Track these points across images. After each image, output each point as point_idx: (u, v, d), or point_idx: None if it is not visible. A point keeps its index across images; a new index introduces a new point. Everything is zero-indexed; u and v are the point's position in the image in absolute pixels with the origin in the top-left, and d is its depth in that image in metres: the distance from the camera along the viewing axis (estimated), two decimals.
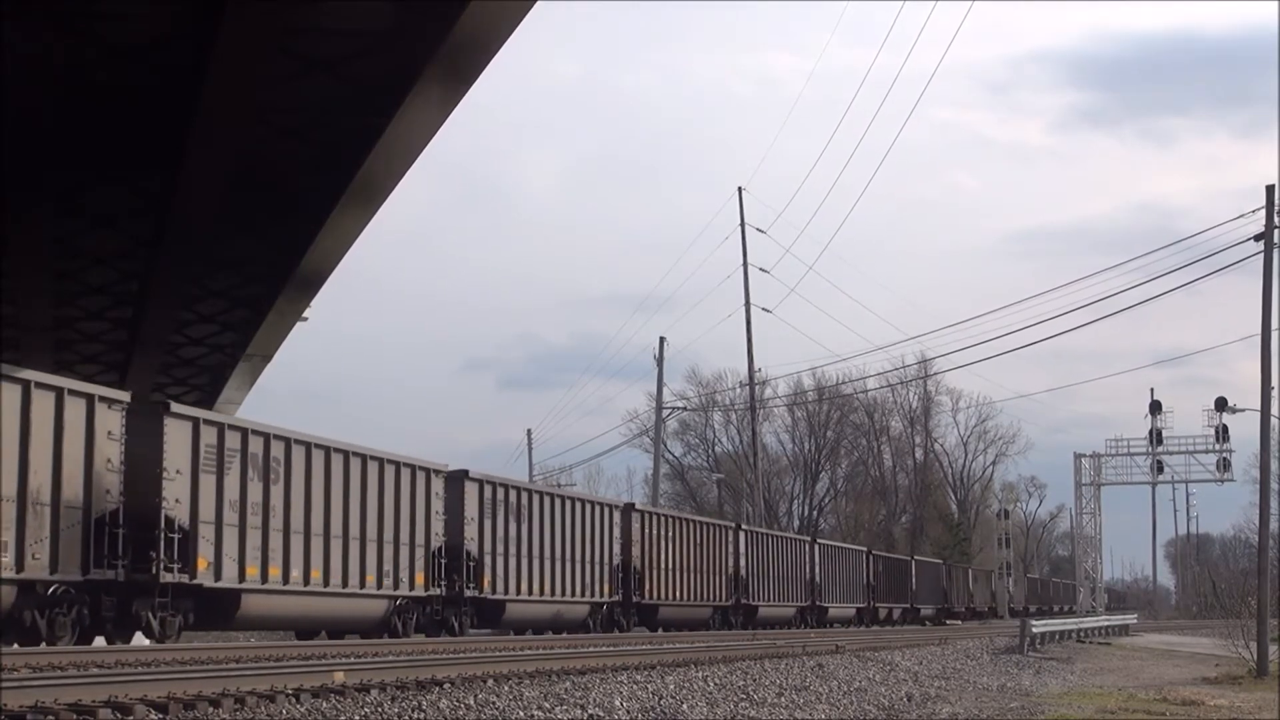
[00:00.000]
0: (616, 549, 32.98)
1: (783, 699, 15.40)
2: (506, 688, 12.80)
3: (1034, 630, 32.01)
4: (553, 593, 30.15)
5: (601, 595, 32.30)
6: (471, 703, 11.66)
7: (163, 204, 21.52)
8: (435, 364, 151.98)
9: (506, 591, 28.42)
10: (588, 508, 32.65)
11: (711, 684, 15.47)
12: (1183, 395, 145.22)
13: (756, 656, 20.21)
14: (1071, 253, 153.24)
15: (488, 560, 27.76)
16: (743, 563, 40.04)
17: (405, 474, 25.23)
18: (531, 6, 14.90)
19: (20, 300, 27.20)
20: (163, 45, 16.62)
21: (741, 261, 60.11)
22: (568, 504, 31.75)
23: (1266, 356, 29.91)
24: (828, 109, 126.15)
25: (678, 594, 36.06)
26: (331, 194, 20.57)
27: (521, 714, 11.61)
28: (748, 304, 59.96)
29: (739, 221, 60.15)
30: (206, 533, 20.10)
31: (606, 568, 32.48)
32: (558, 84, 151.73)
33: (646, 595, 34.19)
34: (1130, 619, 54.10)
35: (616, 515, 33.54)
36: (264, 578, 21.37)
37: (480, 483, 27.95)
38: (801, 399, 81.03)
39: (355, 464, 23.82)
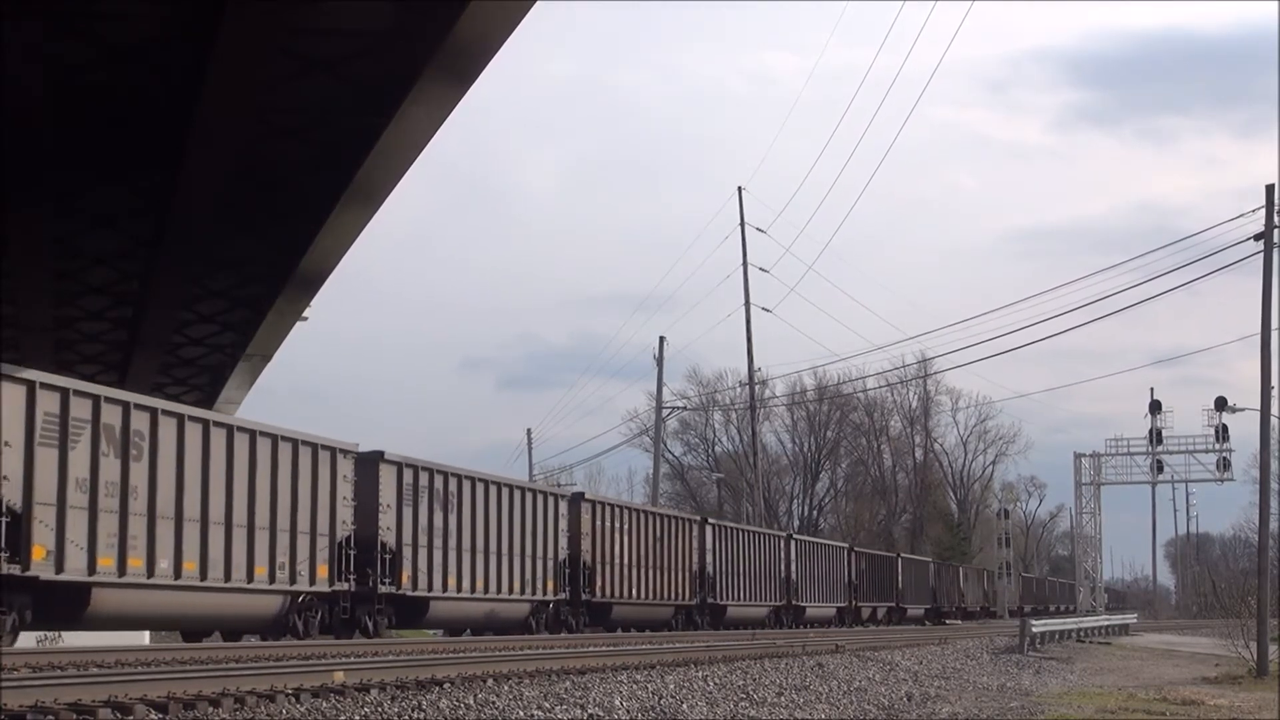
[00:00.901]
0: (564, 542, 30.21)
1: (783, 699, 15.41)
2: (506, 687, 12.81)
3: (1034, 630, 32.02)
4: (486, 590, 27.30)
5: (545, 593, 29.41)
6: (471, 702, 11.67)
7: (163, 204, 21.51)
8: (433, 364, 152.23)
9: (430, 588, 25.53)
10: (529, 496, 29.47)
11: (711, 684, 15.48)
12: (1182, 395, 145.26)
13: (756, 656, 20.22)
14: (1070, 252, 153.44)
15: (407, 552, 24.92)
16: (709, 559, 37.93)
17: (305, 453, 22.37)
18: (531, 6, 14.90)
19: (20, 300, 27.19)
20: (163, 45, 16.61)
21: (741, 261, 60.15)
22: (505, 492, 28.53)
23: (1266, 356, 29.93)
24: (826, 108, 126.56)
25: (634, 591, 33.58)
26: (331, 194, 20.56)
27: (521, 714, 11.62)
28: (747, 304, 60.03)
29: (739, 221, 60.20)
30: (45, 516, 17.31)
31: (551, 562, 29.63)
32: (554, 83, 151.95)
33: (598, 593, 31.64)
34: (1130, 619, 54.07)
35: (564, 506, 30.69)
36: (121, 569, 18.55)
37: (399, 465, 24.98)
38: (801, 399, 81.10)
39: (242, 440, 21.03)
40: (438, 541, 25.98)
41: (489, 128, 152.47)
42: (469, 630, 28.32)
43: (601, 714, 12.27)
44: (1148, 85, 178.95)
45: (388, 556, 24.42)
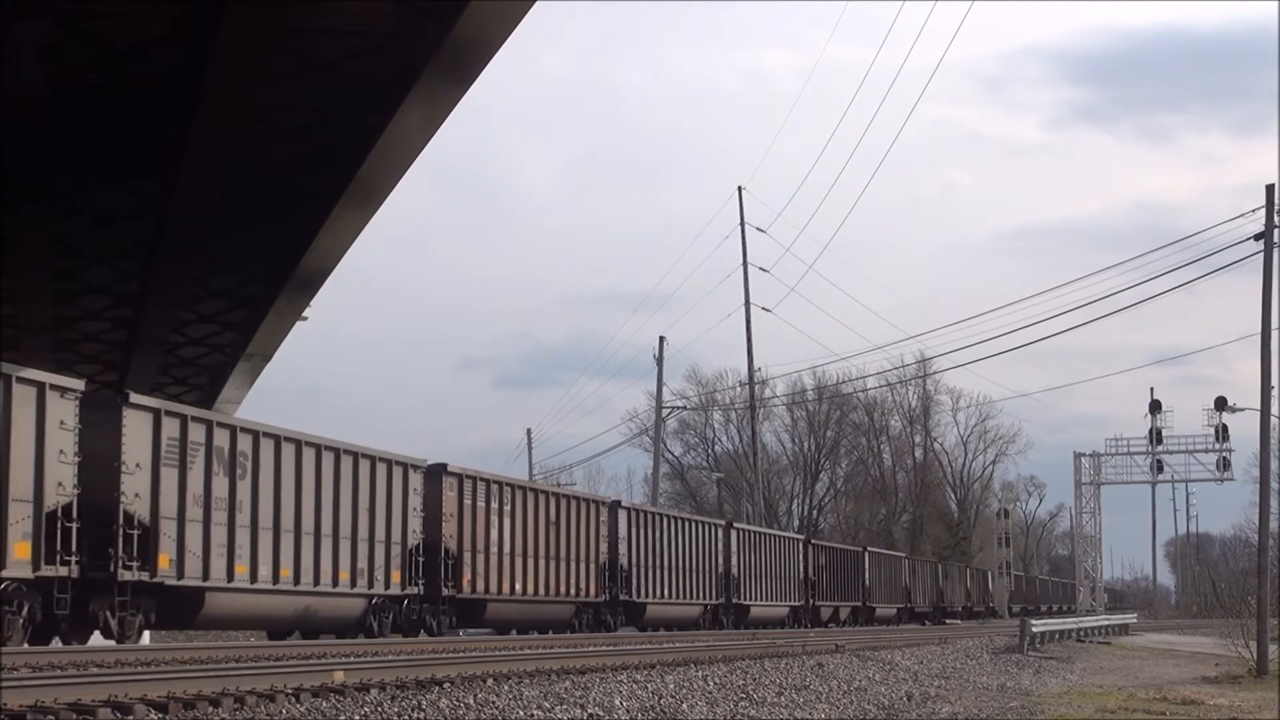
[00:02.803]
0: (418, 525, 25.63)
1: (783, 698, 15.41)
2: (506, 687, 12.81)
3: (1034, 630, 32.03)
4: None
5: (389, 586, 24.99)
6: (471, 702, 11.67)
7: (162, 204, 21.52)
8: (432, 363, 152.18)
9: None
10: (369, 466, 25.43)
11: (711, 683, 15.48)
12: (1182, 394, 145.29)
13: (756, 656, 20.24)
14: (1068, 250, 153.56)
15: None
16: (622, 549, 33.43)
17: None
18: (531, 6, 14.91)
19: (20, 300, 27.20)
20: (163, 45, 16.62)
21: (742, 261, 60.13)
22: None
23: (1266, 356, 29.93)
24: (822, 106, 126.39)
25: (518, 586, 28.83)
26: (331, 194, 20.57)
27: (521, 714, 11.62)
28: (747, 304, 59.98)
29: (739, 221, 60.15)
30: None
31: (398, 548, 25.23)
32: (550, 81, 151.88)
33: (465, 587, 27.00)
34: (1130, 619, 54.10)
35: (417, 480, 25.81)
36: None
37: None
38: (801, 398, 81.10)
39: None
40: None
41: (486, 126, 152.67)
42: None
43: (601, 714, 12.27)
44: (1144, 82, 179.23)
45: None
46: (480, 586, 27.48)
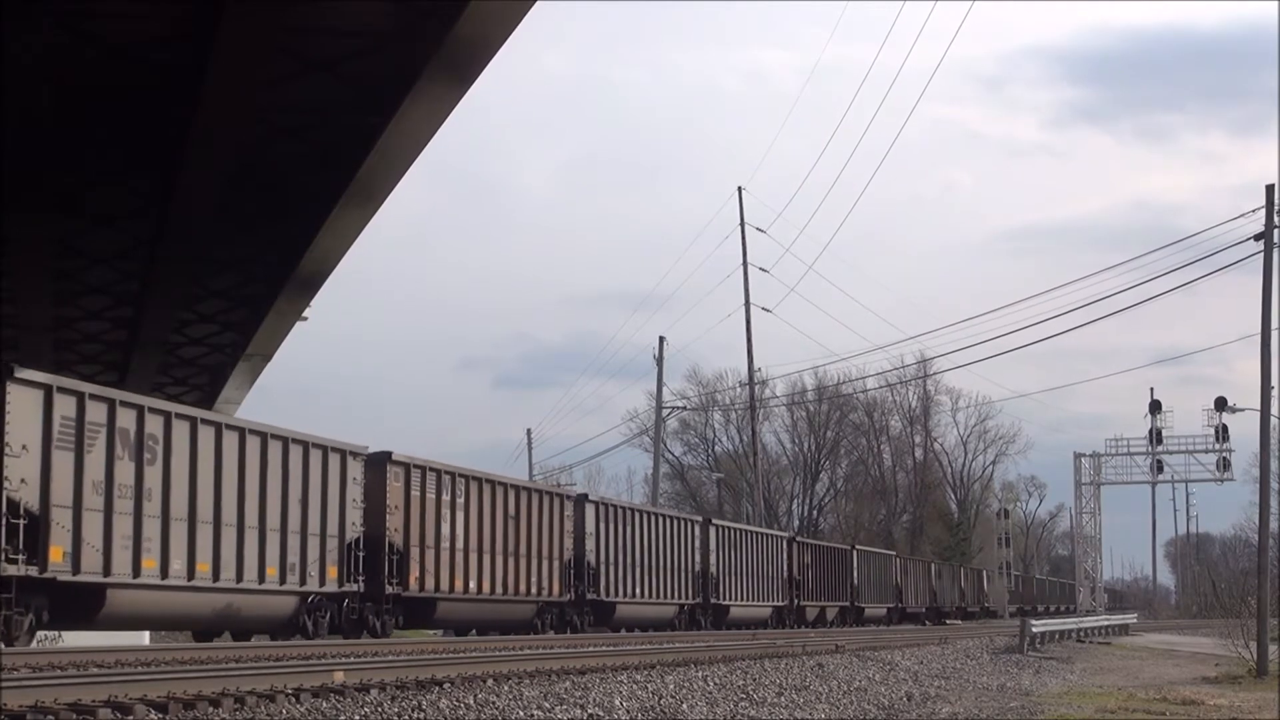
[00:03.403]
0: (357, 517, 23.60)
1: (783, 699, 15.41)
2: (506, 687, 12.81)
3: (1034, 630, 32.04)
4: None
5: (324, 583, 22.86)
6: (471, 702, 11.66)
7: (162, 204, 21.53)
8: (430, 363, 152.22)
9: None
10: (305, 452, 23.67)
11: (711, 684, 15.48)
12: (1182, 394, 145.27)
13: (756, 656, 20.23)
14: (1068, 250, 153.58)
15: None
16: (591, 546, 31.53)
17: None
18: (531, 6, 14.92)
19: (20, 300, 27.22)
20: (163, 45, 16.63)
21: (742, 261, 60.13)
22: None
23: (1266, 356, 29.94)
24: (821, 106, 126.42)
25: (474, 584, 26.84)
26: (331, 194, 20.58)
27: (521, 714, 11.62)
28: (747, 304, 59.97)
29: (739, 221, 60.15)
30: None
31: (334, 541, 23.08)
32: (548, 82, 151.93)
33: (413, 584, 25.17)
34: (1130, 619, 54.09)
35: (356, 468, 23.72)
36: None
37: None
38: (801, 399, 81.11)
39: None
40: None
41: (486, 126, 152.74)
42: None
43: (601, 714, 12.27)
44: (1144, 82, 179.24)
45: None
46: (430, 584, 25.45)
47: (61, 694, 9.47)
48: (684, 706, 13.51)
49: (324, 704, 10.80)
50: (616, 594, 32.55)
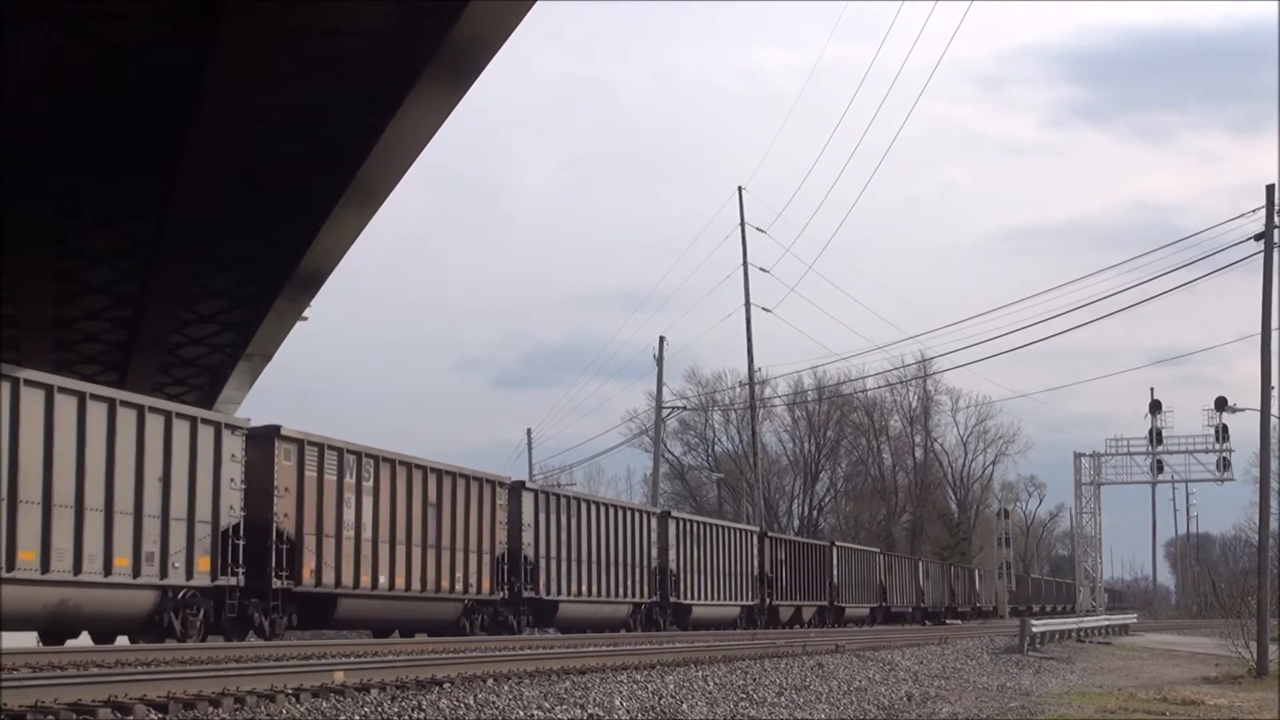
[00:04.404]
0: (236, 501, 20.81)
1: (783, 698, 15.41)
2: (506, 687, 12.81)
3: (1034, 630, 32.05)
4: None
5: (187, 577, 20.01)
6: (471, 702, 11.67)
7: (163, 204, 21.53)
8: (429, 363, 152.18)
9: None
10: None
11: (711, 683, 15.48)
12: (1182, 394, 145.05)
13: (756, 656, 20.24)
14: (1067, 249, 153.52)
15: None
16: (529, 538, 28.87)
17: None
18: (531, 6, 14.92)
19: (20, 300, 27.21)
20: (163, 45, 16.63)
21: (742, 261, 60.11)
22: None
23: (1266, 356, 29.94)
24: (819, 105, 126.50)
25: (382, 579, 24.08)
26: (331, 194, 20.58)
27: (521, 714, 11.62)
28: (748, 304, 59.93)
29: (739, 221, 60.11)
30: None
31: (207, 528, 20.40)
32: (547, 82, 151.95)
33: (307, 578, 22.32)
34: (1130, 619, 54.08)
35: (235, 444, 20.87)
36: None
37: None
38: (801, 399, 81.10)
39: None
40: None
41: (484, 126, 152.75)
42: None
43: (601, 714, 12.27)
44: (1143, 81, 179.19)
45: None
46: (328, 578, 22.60)
47: (61, 694, 9.48)
48: (684, 706, 13.51)
49: (324, 704, 10.81)
50: (559, 591, 29.99)
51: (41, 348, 30.43)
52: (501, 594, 28.01)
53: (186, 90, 16.83)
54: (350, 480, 23.28)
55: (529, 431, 73.29)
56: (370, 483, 23.84)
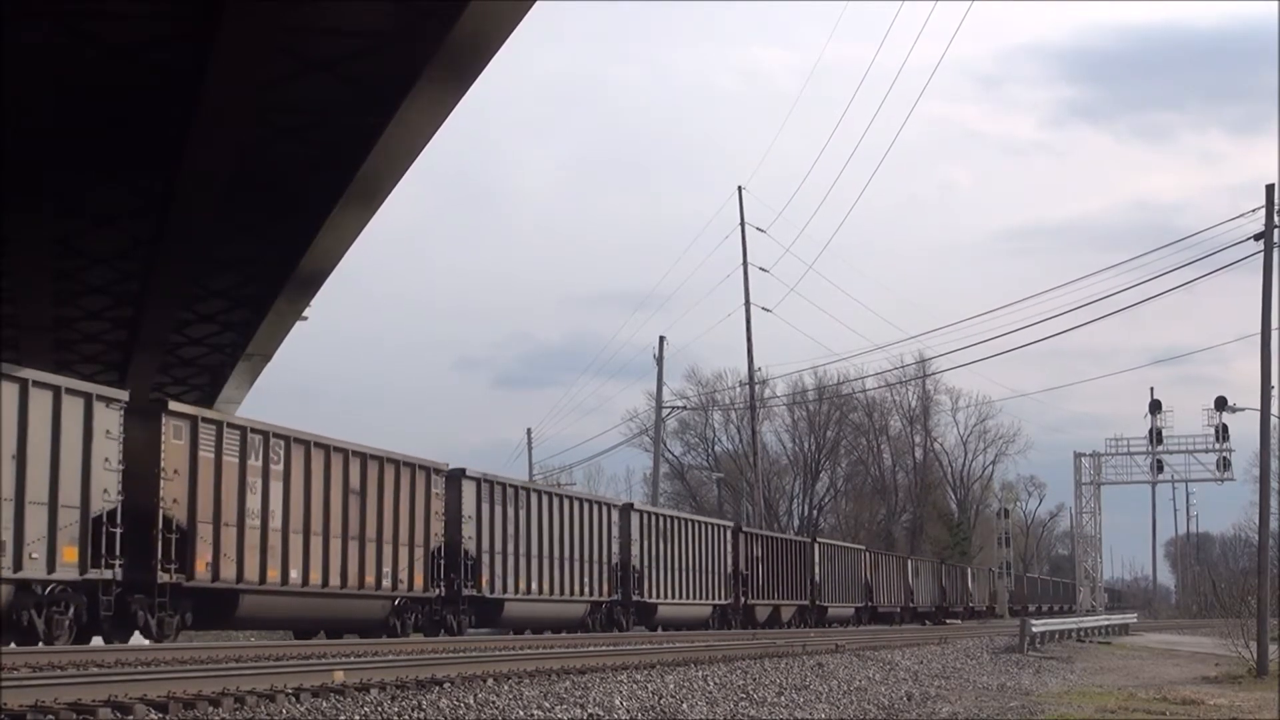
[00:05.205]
0: (112, 484, 18.62)
1: (783, 698, 15.40)
2: (506, 687, 12.81)
3: (1034, 630, 32.06)
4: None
5: (46, 570, 17.97)
6: (471, 702, 11.67)
7: (163, 204, 21.54)
8: (429, 364, 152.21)
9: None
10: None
11: (711, 683, 15.48)
12: (1181, 394, 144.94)
13: (756, 656, 20.24)
14: (1067, 249, 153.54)
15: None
16: (470, 531, 27.00)
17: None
18: (531, 6, 14.93)
19: (20, 300, 27.22)
20: (163, 45, 16.64)
21: (742, 261, 60.12)
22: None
23: (1266, 356, 29.94)
24: (818, 105, 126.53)
25: (294, 574, 21.99)
26: (331, 194, 20.59)
27: (521, 713, 11.62)
28: (748, 304, 59.98)
29: (739, 221, 60.16)
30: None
31: (76, 515, 18.19)
32: (546, 82, 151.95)
33: (203, 573, 20.33)
34: (1130, 618, 54.09)
35: (109, 420, 18.46)
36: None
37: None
38: (801, 398, 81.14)
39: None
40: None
41: (482, 126, 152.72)
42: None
43: (601, 714, 12.27)
44: (1142, 81, 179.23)
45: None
46: (228, 573, 20.55)
47: (61, 694, 9.47)
48: (684, 706, 13.51)
49: (324, 704, 10.80)
50: (504, 589, 28.09)
51: (41, 348, 30.44)
52: (437, 591, 25.93)
53: (186, 90, 16.84)
54: (255, 463, 21.17)
55: (529, 431, 73.41)
56: (280, 466, 21.76)
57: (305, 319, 30.04)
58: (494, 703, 11.79)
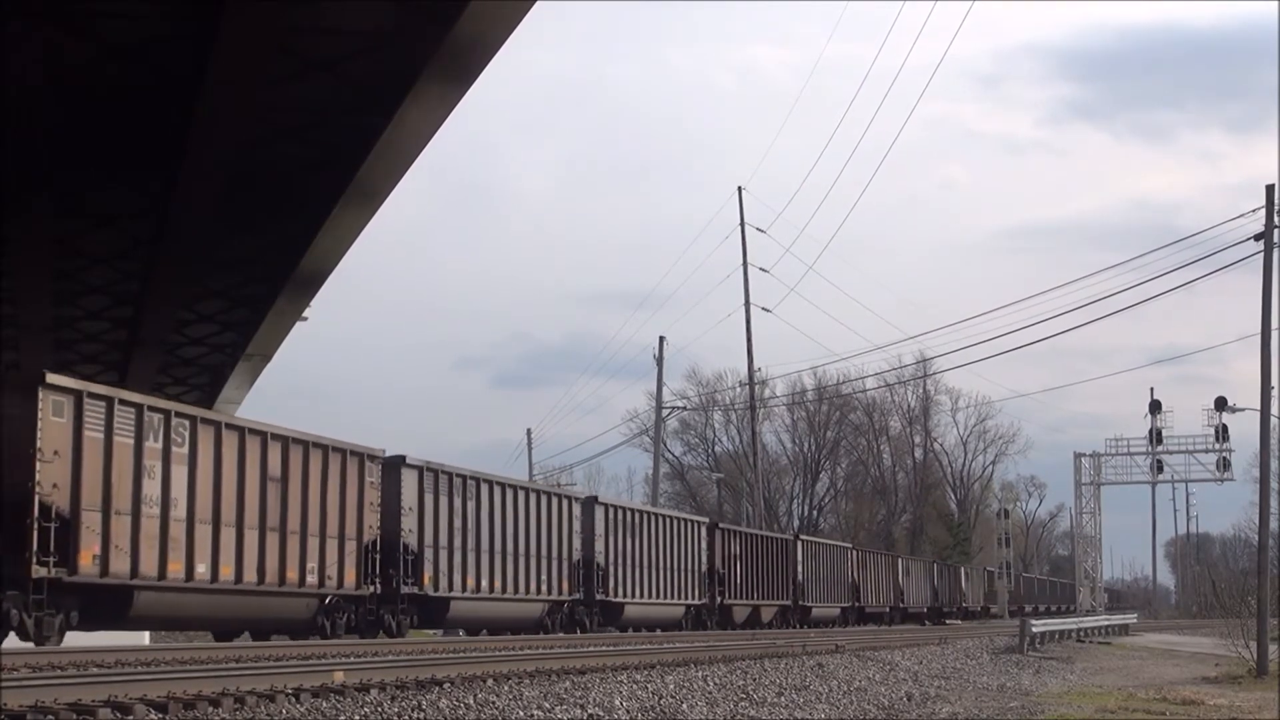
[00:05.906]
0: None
1: (783, 699, 15.41)
2: (506, 687, 12.81)
3: (1034, 630, 32.07)
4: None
5: None
6: (471, 702, 11.67)
7: (163, 204, 21.53)
8: (428, 363, 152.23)
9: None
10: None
11: (711, 684, 15.48)
12: (1181, 394, 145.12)
13: (756, 656, 20.23)
14: (1066, 248, 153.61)
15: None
16: (410, 525, 24.90)
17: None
18: (531, 6, 14.93)
19: (20, 300, 27.21)
20: (163, 45, 16.63)
21: (741, 261, 60.11)
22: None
23: (1266, 356, 29.96)
24: (816, 104, 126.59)
25: (200, 569, 19.88)
26: (331, 194, 20.59)
27: (521, 714, 11.63)
28: (747, 304, 59.97)
29: (738, 221, 60.14)
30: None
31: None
32: (545, 81, 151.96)
33: (89, 567, 18.07)
34: (1130, 619, 54.10)
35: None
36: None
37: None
38: (801, 399, 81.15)
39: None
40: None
41: (481, 126, 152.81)
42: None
43: (601, 714, 12.28)
44: (1141, 80, 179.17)
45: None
46: (119, 567, 18.38)
47: (61, 694, 9.48)
48: (684, 706, 13.51)
49: (324, 704, 10.81)
50: (449, 587, 26.09)
51: (41, 348, 30.43)
52: (372, 588, 23.89)
53: (186, 90, 16.83)
54: (154, 445, 19.02)
55: (529, 431, 73.36)
56: (184, 449, 19.56)
57: (305, 319, 30.04)
58: (494, 703, 11.80)
